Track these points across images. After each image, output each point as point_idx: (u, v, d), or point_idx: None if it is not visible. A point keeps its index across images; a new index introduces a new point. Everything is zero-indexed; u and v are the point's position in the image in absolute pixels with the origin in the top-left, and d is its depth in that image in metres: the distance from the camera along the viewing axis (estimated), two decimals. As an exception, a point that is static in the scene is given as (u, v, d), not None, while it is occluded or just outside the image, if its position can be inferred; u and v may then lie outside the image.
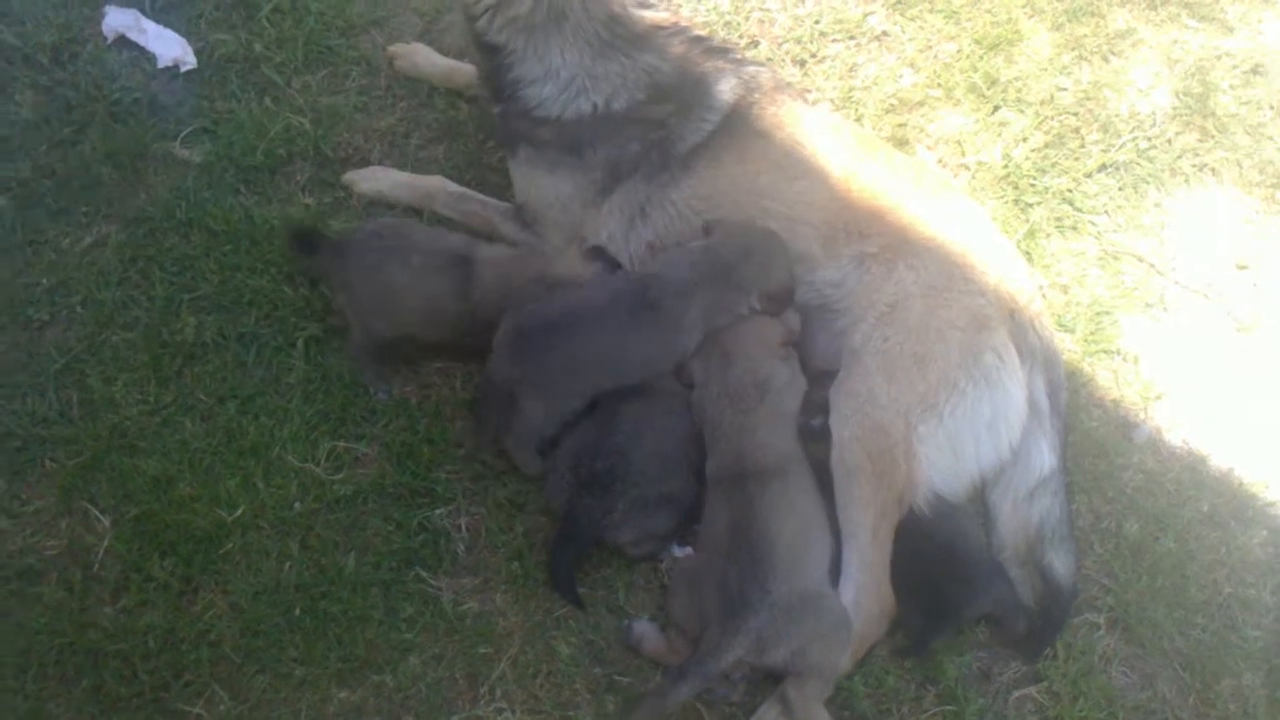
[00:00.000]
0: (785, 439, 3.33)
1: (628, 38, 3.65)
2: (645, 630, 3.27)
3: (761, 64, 3.99)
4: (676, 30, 3.78)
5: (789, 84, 4.16)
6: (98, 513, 3.36)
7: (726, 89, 3.79)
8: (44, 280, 3.71)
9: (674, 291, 3.44)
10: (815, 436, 3.36)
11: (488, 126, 4.15)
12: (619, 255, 3.73)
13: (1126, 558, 3.61)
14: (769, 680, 3.20)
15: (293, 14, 4.32)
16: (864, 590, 3.30)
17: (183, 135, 4.04)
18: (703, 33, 3.89)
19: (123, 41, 4.19)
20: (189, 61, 4.17)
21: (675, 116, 3.72)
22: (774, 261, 3.53)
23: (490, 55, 3.64)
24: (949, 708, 3.30)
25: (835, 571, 3.30)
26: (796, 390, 3.43)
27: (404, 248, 3.53)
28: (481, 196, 3.96)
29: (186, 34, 4.24)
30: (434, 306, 3.51)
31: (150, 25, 4.21)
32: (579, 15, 3.55)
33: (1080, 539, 3.58)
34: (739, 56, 3.93)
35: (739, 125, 3.78)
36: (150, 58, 4.18)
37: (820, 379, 3.48)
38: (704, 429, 3.41)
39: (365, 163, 4.07)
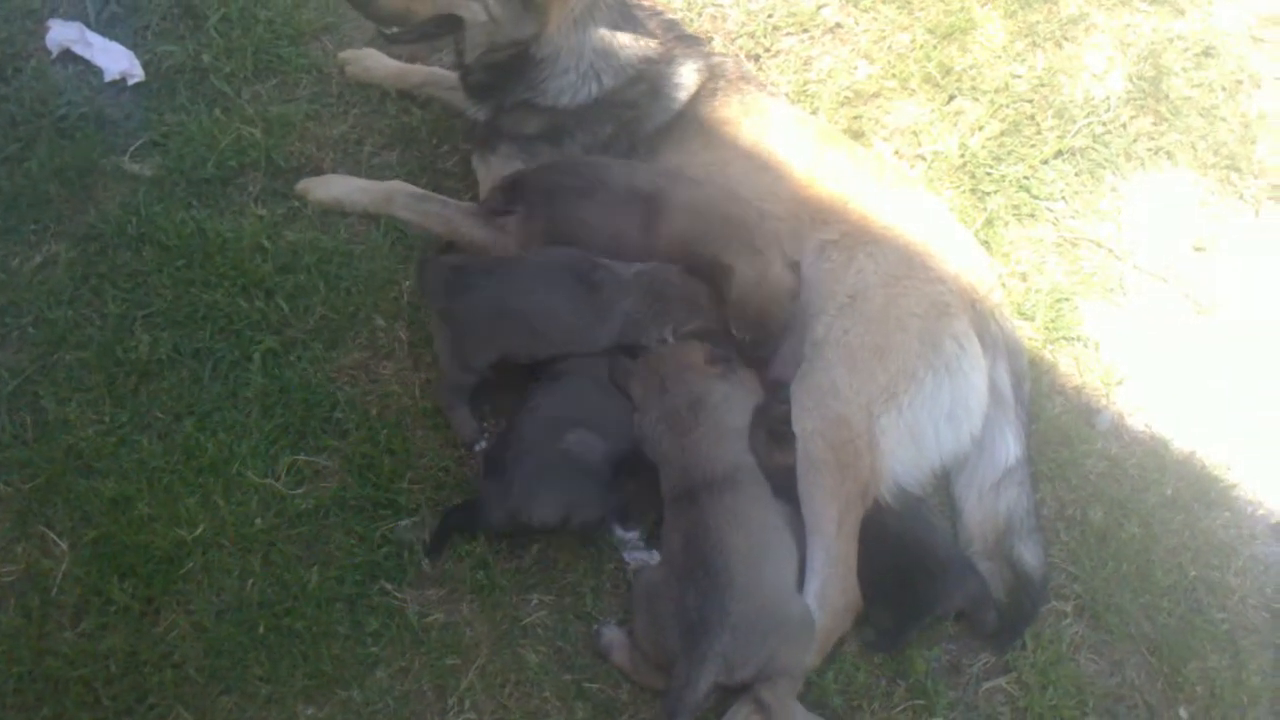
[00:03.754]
0: (731, 451, 3.29)
1: (630, 18, 3.77)
2: (614, 637, 3.25)
3: (725, 55, 4.00)
4: (654, 12, 3.90)
5: (753, 74, 4.17)
6: (55, 536, 3.30)
7: (692, 72, 3.86)
8: (-7, 301, 3.66)
9: (615, 284, 3.45)
10: (784, 443, 3.33)
11: (441, 131, 4.15)
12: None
13: (1092, 545, 3.63)
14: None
15: (241, 23, 4.27)
16: (829, 584, 3.29)
17: (132, 149, 3.99)
18: (674, 16, 3.93)
19: (68, 55, 4.13)
20: (136, 74, 4.11)
21: (646, 97, 3.79)
22: (700, 314, 3.51)
23: (517, 53, 3.67)
24: (919, 702, 3.30)
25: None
26: (739, 404, 3.39)
27: (596, 184, 3.61)
28: (441, 197, 3.94)
29: (133, 46, 4.18)
30: (620, 241, 3.56)
31: (96, 38, 4.15)
32: None
33: (1045, 527, 3.59)
34: (704, 44, 4.02)
35: (704, 111, 3.84)
36: (96, 71, 4.12)
37: (777, 388, 3.46)
38: (651, 455, 3.38)
39: (318, 171, 4.03)
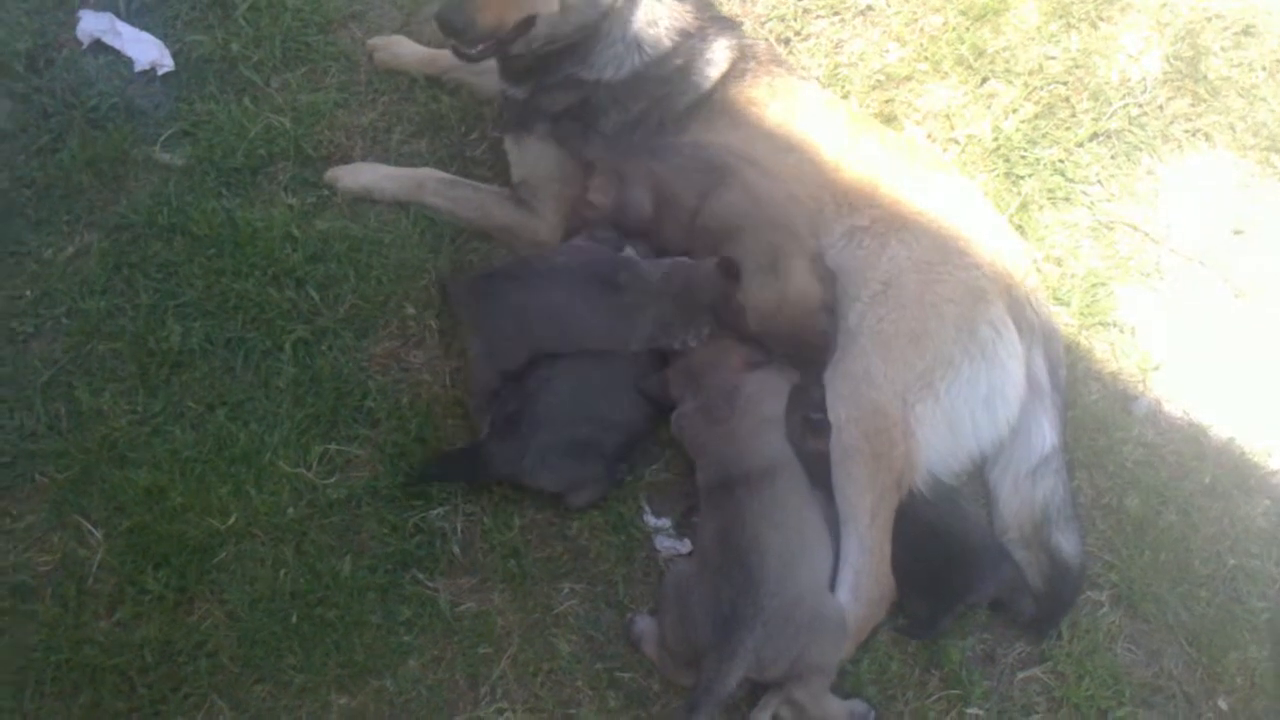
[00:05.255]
0: (768, 443, 3.28)
1: None
2: (646, 627, 3.24)
3: (756, 39, 3.98)
4: None
5: (784, 58, 4.14)
6: (90, 526, 3.32)
7: (724, 50, 3.84)
8: (27, 292, 3.67)
9: (642, 286, 3.43)
10: (818, 431, 3.31)
11: (470, 118, 4.13)
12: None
13: (1129, 533, 3.58)
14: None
15: (269, 11, 4.25)
16: (863, 574, 3.27)
17: (162, 139, 3.99)
18: None
19: (98, 46, 4.13)
20: (166, 64, 4.11)
21: (679, 73, 3.77)
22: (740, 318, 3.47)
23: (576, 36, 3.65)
24: (954, 691, 3.28)
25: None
26: (775, 394, 3.36)
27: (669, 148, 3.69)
28: (472, 183, 3.94)
29: (163, 36, 4.17)
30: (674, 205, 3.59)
31: (126, 29, 4.15)
32: None
33: (1082, 515, 3.55)
34: (736, 25, 4.01)
35: (732, 91, 3.82)
36: (127, 62, 4.11)
37: (816, 374, 3.43)
38: (689, 448, 3.39)
39: (347, 160, 4.02)
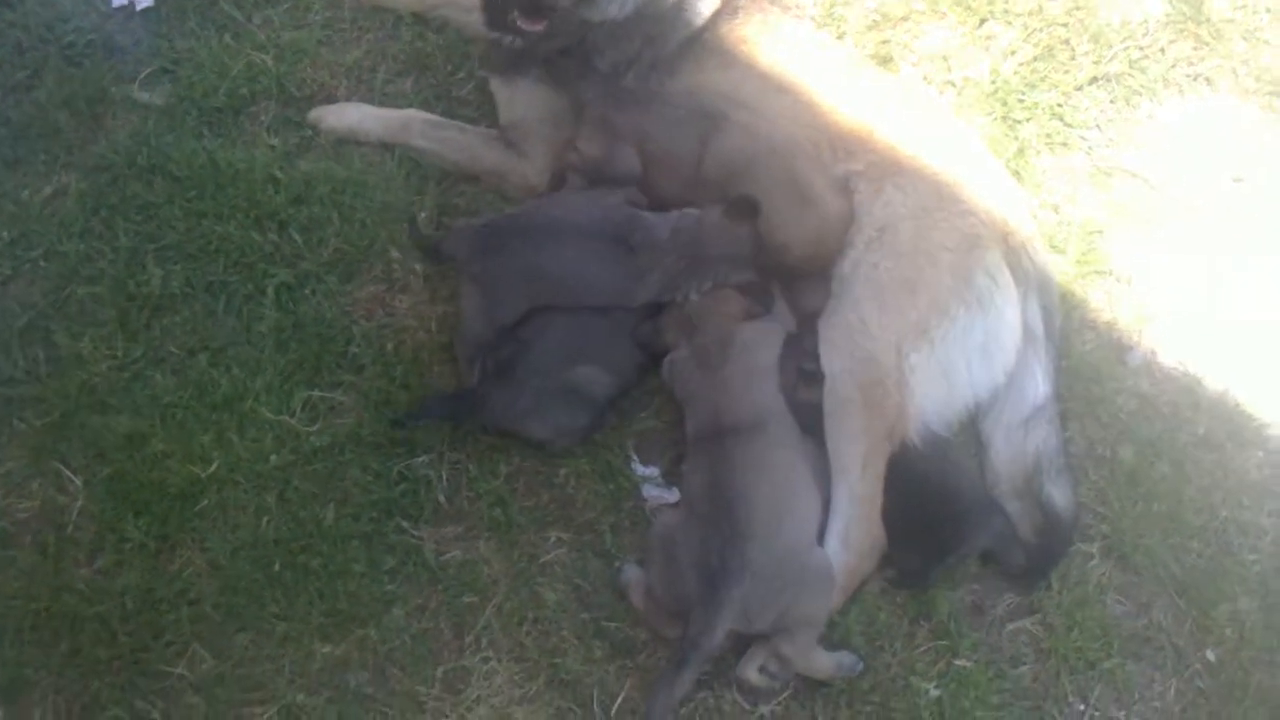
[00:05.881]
0: (761, 392, 3.24)
1: None
2: (634, 576, 3.21)
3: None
4: None
5: (777, -2, 4.05)
6: (69, 473, 3.28)
7: None
8: (4, 233, 3.59)
9: (652, 244, 3.37)
10: (811, 380, 3.27)
11: (457, 57, 4.04)
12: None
13: (1121, 484, 3.55)
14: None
15: (250, -55, 4.14)
16: (854, 524, 3.25)
17: (141, 77, 3.90)
18: None
19: (74, -21, 4.03)
20: (145, -1, 4.01)
21: (673, 10, 3.70)
22: (744, 268, 3.42)
23: None
24: (942, 643, 3.27)
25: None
26: (769, 343, 3.32)
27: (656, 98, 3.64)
28: (459, 124, 3.87)
29: (140, -30, 4.07)
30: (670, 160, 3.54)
31: (102, -38, 4.04)
32: None
33: (1074, 466, 3.51)
34: None
35: (724, 29, 3.74)
36: (104, -5, 4.02)
37: (811, 323, 3.39)
38: (679, 394, 3.36)
39: (331, 99, 3.93)
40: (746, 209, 3.36)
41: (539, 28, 3.51)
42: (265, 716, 3.04)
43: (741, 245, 3.39)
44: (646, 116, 3.59)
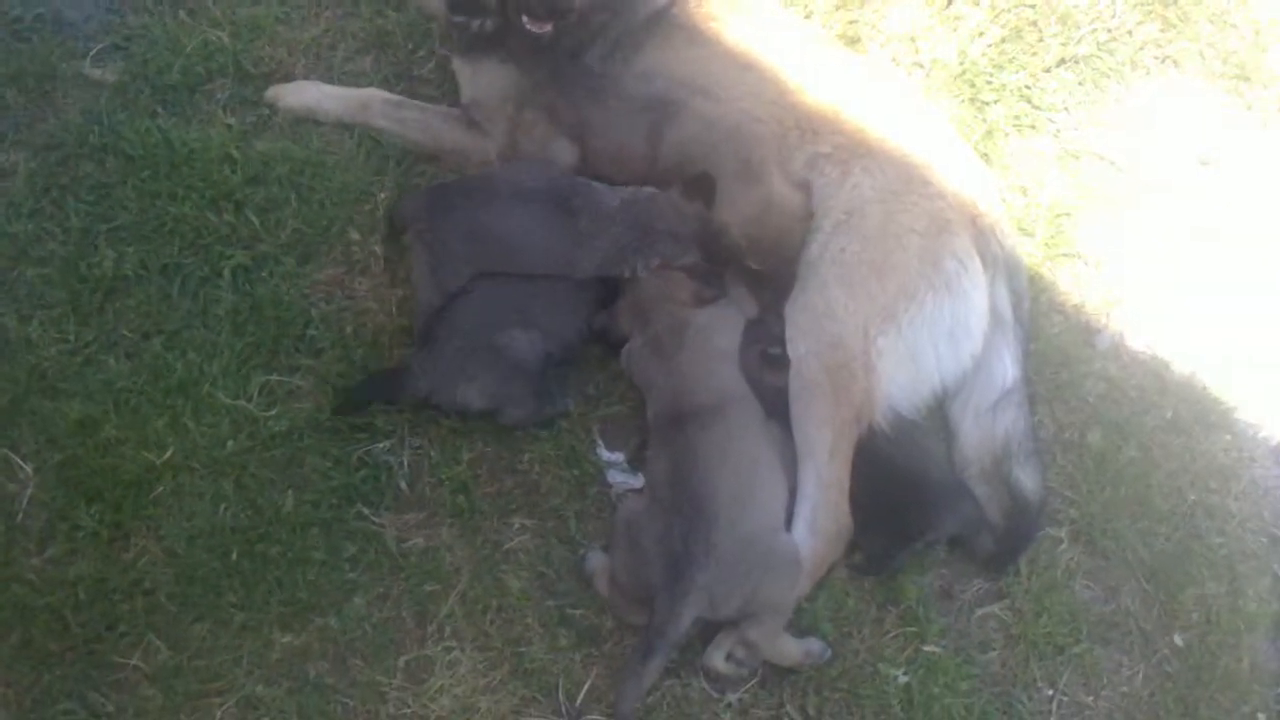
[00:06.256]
0: (719, 378, 3.22)
1: None
2: (599, 563, 3.17)
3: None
4: None
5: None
6: (19, 460, 3.20)
7: None
8: (-50, 214, 3.51)
9: (596, 212, 3.35)
10: (776, 365, 3.24)
11: (417, 35, 3.98)
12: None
13: (1090, 468, 3.56)
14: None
15: (205, -82, 4.05)
16: (821, 509, 3.22)
17: (93, 53, 3.81)
18: None
19: (22, -48, 3.92)
20: (95, -27, 3.91)
21: None
22: (689, 249, 3.39)
23: None
24: (910, 629, 3.26)
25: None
26: (726, 328, 3.30)
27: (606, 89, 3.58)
28: (419, 103, 3.82)
29: (91, -57, 3.97)
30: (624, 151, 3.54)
31: (51, -66, 3.93)
32: None
33: (1043, 450, 3.51)
34: None
35: (691, 5, 3.70)
36: (53, -31, 3.91)
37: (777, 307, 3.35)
38: (638, 382, 3.33)
39: (289, 78, 3.85)
40: (702, 187, 3.34)
41: (548, 29, 3.48)
42: (223, 708, 2.98)
43: (687, 222, 3.37)
44: (594, 109, 3.55)
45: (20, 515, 3.14)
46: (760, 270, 3.38)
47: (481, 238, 3.30)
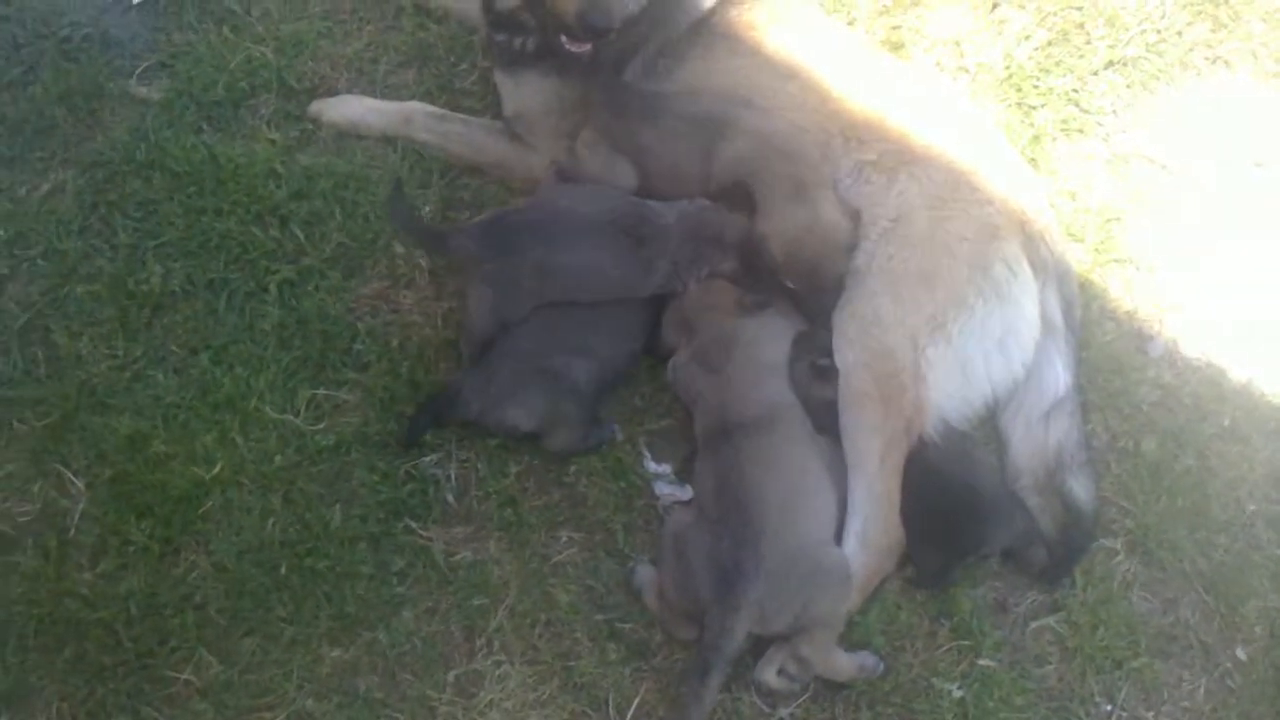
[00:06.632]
0: (767, 390, 3.19)
1: None
2: (648, 576, 3.15)
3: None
4: None
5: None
6: (71, 475, 3.22)
7: None
8: (1, 232, 3.54)
9: (661, 235, 3.33)
10: (825, 376, 3.21)
11: (459, 48, 3.99)
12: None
13: (1145, 478, 3.48)
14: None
15: (247, -64, 4.08)
16: (871, 522, 3.19)
17: (139, 71, 3.85)
18: None
19: (68, -28, 3.97)
20: (141, -8, 3.95)
21: None
22: (729, 253, 3.39)
23: None
24: (964, 642, 3.21)
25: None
26: (774, 339, 3.27)
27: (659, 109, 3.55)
28: (463, 116, 3.82)
29: (135, -37, 4.01)
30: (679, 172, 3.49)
31: (97, -46, 3.98)
32: None
33: (1096, 460, 3.45)
34: None
35: (731, 15, 3.69)
36: (99, -11, 3.96)
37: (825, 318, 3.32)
38: (685, 397, 3.32)
39: (332, 92, 3.87)
40: (741, 198, 3.33)
41: (587, 49, 3.47)
42: (274, 723, 2.99)
43: (728, 229, 3.36)
44: (648, 130, 3.52)
45: (72, 530, 3.17)
46: (794, 289, 3.35)
47: (551, 273, 3.27)
